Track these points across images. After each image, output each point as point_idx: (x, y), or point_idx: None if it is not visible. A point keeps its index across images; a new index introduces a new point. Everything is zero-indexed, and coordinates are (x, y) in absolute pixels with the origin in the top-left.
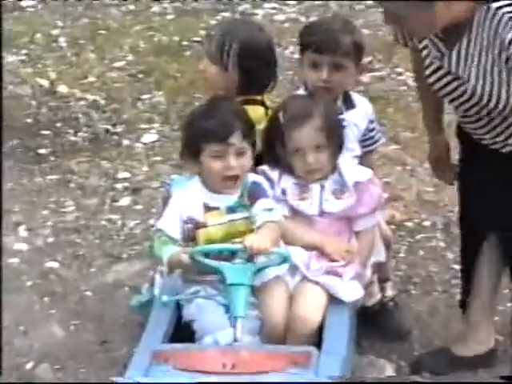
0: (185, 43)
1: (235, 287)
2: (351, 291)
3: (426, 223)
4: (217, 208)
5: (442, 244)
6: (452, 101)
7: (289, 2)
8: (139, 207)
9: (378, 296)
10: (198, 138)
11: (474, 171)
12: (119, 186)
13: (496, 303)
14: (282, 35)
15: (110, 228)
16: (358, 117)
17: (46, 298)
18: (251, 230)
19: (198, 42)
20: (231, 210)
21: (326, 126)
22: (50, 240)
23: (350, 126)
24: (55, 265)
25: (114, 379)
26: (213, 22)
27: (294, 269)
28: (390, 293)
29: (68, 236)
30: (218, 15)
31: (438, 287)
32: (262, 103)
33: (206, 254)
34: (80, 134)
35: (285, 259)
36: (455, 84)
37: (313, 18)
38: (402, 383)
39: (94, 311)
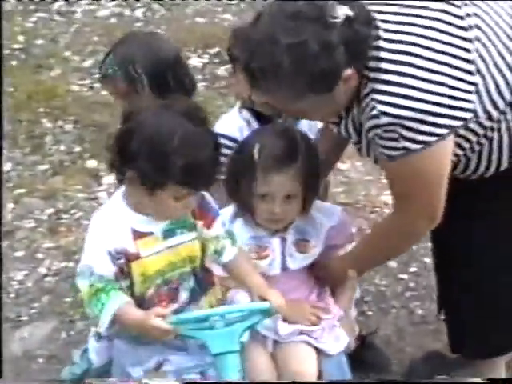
0: (6, 52)
1: (222, 357)
2: (333, 343)
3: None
4: (150, 233)
5: None
6: None
7: None
8: (20, 254)
9: (357, 329)
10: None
11: None
12: None
13: None
14: (112, 33)
15: None
16: (305, 128)
17: None
18: (195, 255)
19: (20, 49)
20: (169, 233)
21: (305, 174)
22: None
23: None
24: None
25: None
26: (29, 25)
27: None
28: None
29: None
30: (33, 16)
31: (394, 303)
32: None
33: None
34: None
35: (267, 312)
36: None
37: (139, 11)
38: (402, 383)
39: None
